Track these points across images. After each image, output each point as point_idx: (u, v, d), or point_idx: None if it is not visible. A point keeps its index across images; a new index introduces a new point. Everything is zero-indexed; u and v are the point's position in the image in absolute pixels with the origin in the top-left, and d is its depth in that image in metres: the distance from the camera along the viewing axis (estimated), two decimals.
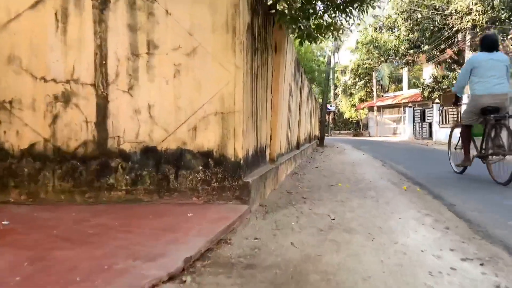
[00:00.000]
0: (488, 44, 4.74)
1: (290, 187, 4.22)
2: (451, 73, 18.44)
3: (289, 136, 6.04)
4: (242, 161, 2.81)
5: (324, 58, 15.31)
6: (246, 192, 2.76)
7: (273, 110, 4.20)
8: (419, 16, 17.45)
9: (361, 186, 4.40)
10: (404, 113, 26.46)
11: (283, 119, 4.96)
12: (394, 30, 22.90)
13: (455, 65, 17.90)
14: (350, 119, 34.81)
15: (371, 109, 32.64)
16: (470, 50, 16.99)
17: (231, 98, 2.77)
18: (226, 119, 2.79)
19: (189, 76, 2.79)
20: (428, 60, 19.02)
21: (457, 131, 5.42)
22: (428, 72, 25.87)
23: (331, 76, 38.76)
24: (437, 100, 20.64)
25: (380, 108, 31.36)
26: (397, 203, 3.34)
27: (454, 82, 21.28)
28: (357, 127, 34.49)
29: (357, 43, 29.39)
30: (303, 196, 3.67)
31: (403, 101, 26.92)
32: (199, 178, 2.79)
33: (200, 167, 2.79)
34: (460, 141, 5.25)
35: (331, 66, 15.45)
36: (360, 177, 5.36)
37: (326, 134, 34.11)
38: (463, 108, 5.78)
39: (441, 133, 19.63)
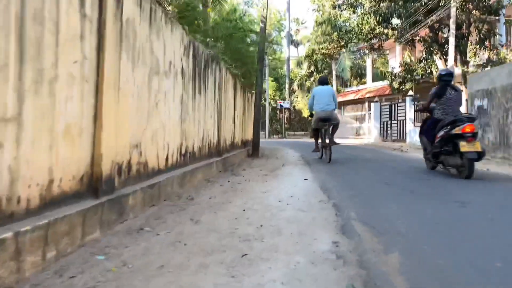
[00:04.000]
0: (322, 82, 8.19)
1: None
2: (430, 56, 14.09)
3: None
4: None
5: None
6: None
7: None
8: None
9: None
10: (369, 109, 22.17)
11: None
12: (356, 9, 18.50)
13: (436, 46, 13.59)
14: (308, 118, 30.30)
15: None
16: (456, 26, 12.68)
17: None
18: None
19: None
20: (400, 38, 14.64)
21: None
22: (398, 59, 21.73)
23: (284, 67, 33.72)
24: (411, 93, 16.35)
25: (341, 105, 27.03)
26: None
27: (428, 71, 17.14)
28: None
29: (314, 29, 24.85)
30: None
31: (368, 95, 22.62)
32: None
33: None
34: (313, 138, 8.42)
35: (263, 36, 10.64)
36: None
37: (279, 136, 29.39)
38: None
39: (417, 134, 15.32)
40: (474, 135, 5.33)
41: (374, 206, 3.77)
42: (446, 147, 5.56)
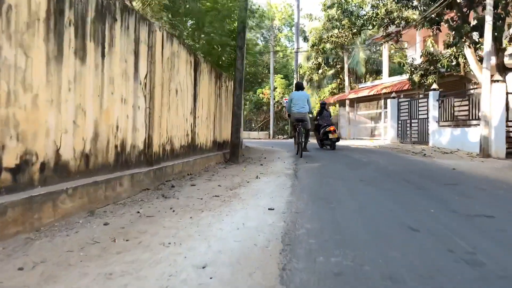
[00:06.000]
0: (298, 87, 9.63)
1: None
2: (460, 40, 11.45)
3: None
4: None
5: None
6: None
7: None
8: None
9: None
10: (385, 107, 19.56)
11: None
12: None
13: (467, 27, 11.00)
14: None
15: (342, 103, 25.70)
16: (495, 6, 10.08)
17: None
18: None
19: None
20: (422, 19, 12.07)
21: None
22: (418, 51, 19.10)
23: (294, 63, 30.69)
24: (434, 86, 13.73)
25: (354, 102, 24.43)
26: None
27: (454, 62, 14.49)
28: None
29: (322, 11, 22.15)
30: None
31: (384, 91, 19.97)
32: None
33: None
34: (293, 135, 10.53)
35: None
36: None
37: (285, 137, 26.98)
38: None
39: (441, 135, 12.76)
40: (335, 131, 11.42)
41: None
42: (324, 136, 11.62)
